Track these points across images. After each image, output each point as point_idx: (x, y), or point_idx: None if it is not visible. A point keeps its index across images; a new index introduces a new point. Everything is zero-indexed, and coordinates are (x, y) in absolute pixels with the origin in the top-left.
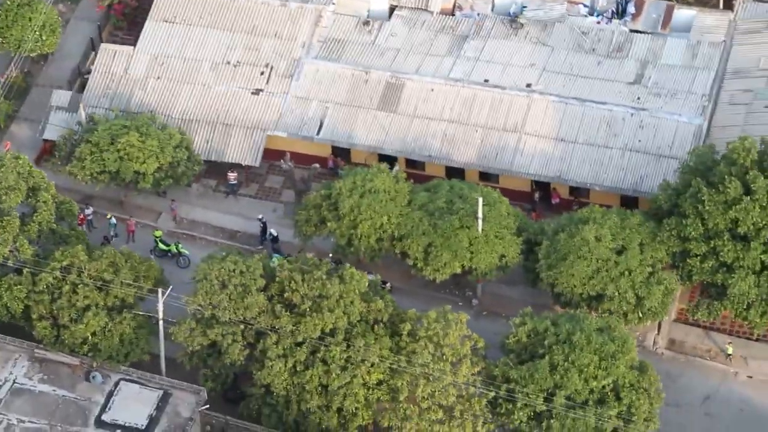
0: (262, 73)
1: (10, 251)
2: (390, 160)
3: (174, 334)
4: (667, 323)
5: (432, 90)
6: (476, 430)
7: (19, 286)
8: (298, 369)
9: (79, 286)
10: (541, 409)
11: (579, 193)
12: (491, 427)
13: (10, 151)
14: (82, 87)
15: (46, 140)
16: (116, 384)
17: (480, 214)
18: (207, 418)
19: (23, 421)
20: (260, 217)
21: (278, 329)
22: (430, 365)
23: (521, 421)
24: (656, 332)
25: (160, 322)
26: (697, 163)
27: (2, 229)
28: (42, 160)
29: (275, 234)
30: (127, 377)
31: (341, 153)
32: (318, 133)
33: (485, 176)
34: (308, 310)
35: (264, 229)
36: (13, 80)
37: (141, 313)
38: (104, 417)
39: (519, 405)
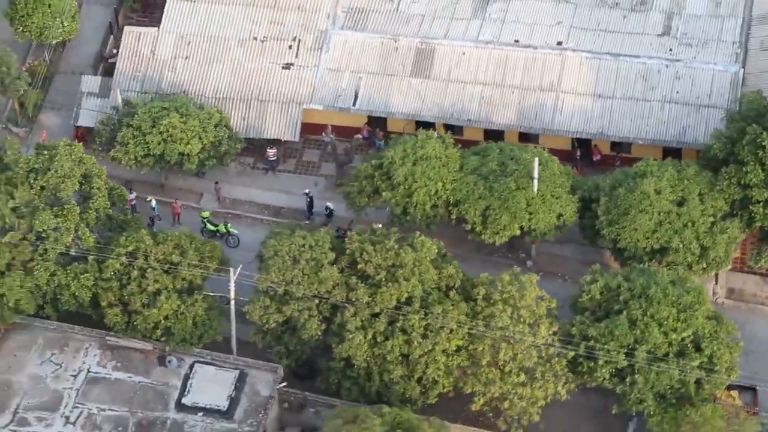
0: (290, 47)
1: (72, 240)
2: (426, 126)
3: (248, 313)
4: (724, 273)
5: (464, 53)
6: (557, 390)
7: (86, 275)
8: (378, 340)
9: (148, 270)
10: (622, 364)
11: (620, 148)
12: (572, 386)
13: (46, 140)
14: (106, 72)
15: (78, 127)
16: (191, 367)
17: (536, 174)
18: (285, 395)
19: (103, 410)
20: (307, 191)
21: (354, 301)
22: (510, 328)
23: (604, 378)
24: (714, 282)
25: (232, 302)
26: (747, 109)
27: (63, 217)
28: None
29: (331, 207)
30: (202, 359)
31: (376, 122)
32: (354, 103)
33: (525, 137)
34: (383, 280)
35: (311, 203)
36: (35, 68)
37: (212, 293)
38: (184, 400)
39: (601, 362)
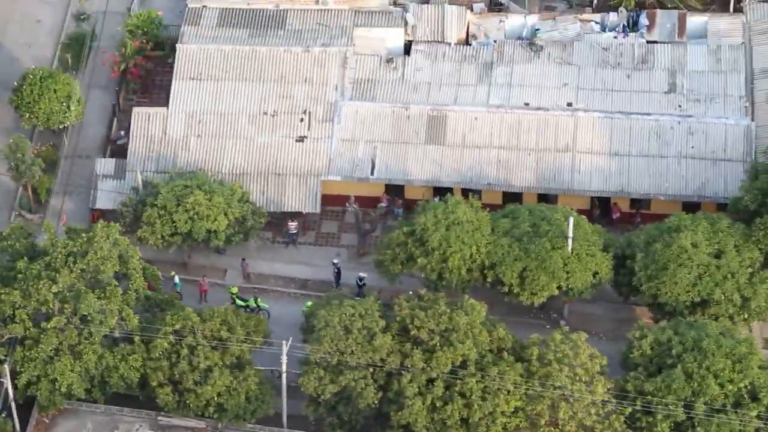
0: (301, 120)
1: (116, 321)
2: (444, 192)
3: (303, 385)
4: (758, 324)
5: (476, 119)
6: None
7: (134, 356)
8: (437, 405)
9: (198, 348)
10: (681, 418)
11: (640, 205)
12: None
13: (66, 224)
14: (113, 154)
15: (94, 210)
16: None
17: (570, 233)
18: None
19: None
20: (335, 261)
21: (409, 368)
22: (568, 386)
23: None
24: (748, 331)
25: (283, 375)
26: None
27: (107, 299)
28: None
29: (364, 276)
30: None
31: (394, 191)
32: (372, 173)
33: (543, 198)
34: (437, 345)
35: (338, 274)
36: (44, 154)
37: (263, 368)
38: None
39: (660, 417)
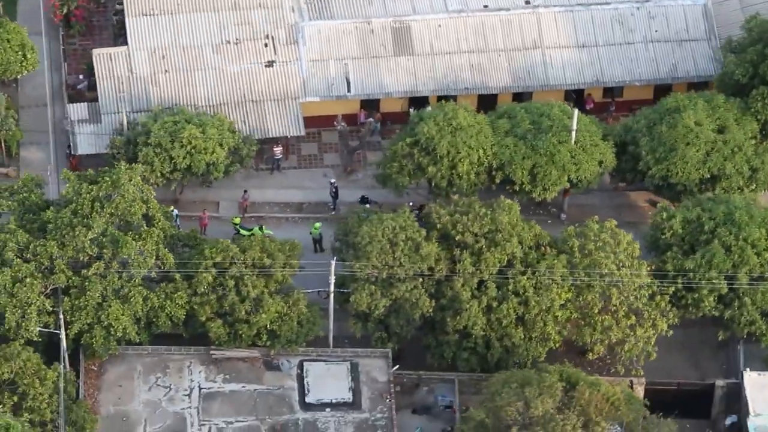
0: (266, 45)
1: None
2: (419, 102)
3: (355, 302)
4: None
5: (439, 26)
6: (663, 327)
7: (179, 293)
8: (492, 306)
9: (245, 277)
10: (724, 291)
11: (612, 94)
12: (676, 320)
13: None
14: (71, 99)
15: (72, 157)
16: (300, 367)
17: (575, 126)
18: (397, 378)
19: (231, 423)
20: (332, 181)
21: (459, 273)
22: (616, 273)
23: (711, 307)
24: None
25: (331, 296)
26: (760, 32)
27: (144, 241)
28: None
29: (367, 197)
30: (307, 358)
31: (369, 105)
32: (349, 90)
33: (517, 98)
34: (483, 247)
35: (336, 193)
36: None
37: (310, 290)
38: (308, 399)
39: (705, 291)
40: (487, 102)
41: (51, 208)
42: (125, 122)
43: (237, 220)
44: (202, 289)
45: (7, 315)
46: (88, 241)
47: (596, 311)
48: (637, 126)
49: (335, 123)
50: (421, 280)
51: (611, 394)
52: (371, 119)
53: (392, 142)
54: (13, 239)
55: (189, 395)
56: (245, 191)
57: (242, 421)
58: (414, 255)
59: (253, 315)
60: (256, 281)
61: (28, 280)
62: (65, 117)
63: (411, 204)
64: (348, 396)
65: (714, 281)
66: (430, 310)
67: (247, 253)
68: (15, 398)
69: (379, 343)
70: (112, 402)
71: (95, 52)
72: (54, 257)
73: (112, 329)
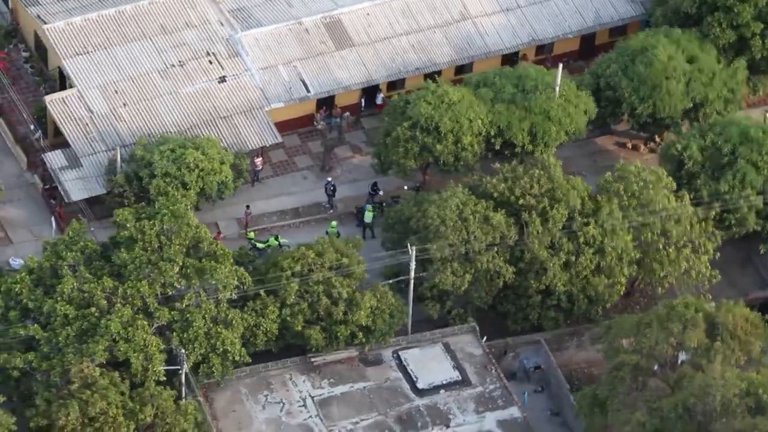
0: (210, 62)
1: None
2: (370, 92)
3: (440, 282)
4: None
5: (368, 14)
6: (710, 250)
7: (270, 307)
8: (569, 261)
9: (333, 279)
10: (759, 206)
11: (543, 51)
12: (719, 243)
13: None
14: (26, 151)
15: (59, 205)
16: (396, 356)
17: (558, 81)
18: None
19: (357, 423)
20: (329, 179)
21: (530, 235)
22: (670, 207)
23: (755, 223)
24: None
25: (411, 282)
26: None
27: (222, 264)
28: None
29: (377, 186)
30: (398, 347)
31: (323, 103)
32: (308, 90)
33: (460, 70)
34: (546, 206)
35: (334, 191)
36: None
37: (391, 281)
38: (420, 386)
39: (745, 209)
40: (432, 78)
41: (121, 250)
42: (118, 159)
43: (251, 235)
44: (291, 300)
45: (132, 361)
46: (176, 275)
47: (660, 246)
48: (607, 72)
49: (315, 123)
50: (495, 249)
51: (748, 315)
52: (347, 113)
53: (383, 130)
54: (98, 287)
55: (304, 405)
56: (247, 206)
57: (367, 419)
58: (485, 226)
59: (350, 314)
60: (343, 281)
61: (138, 322)
62: (26, 170)
63: (406, 188)
64: (456, 375)
65: (751, 198)
66: (513, 277)
67: (324, 257)
68: None
69: (457, 319)
70: (235, 427)
71: (48, 98)
72: (145, 297)
73: (228, 354)
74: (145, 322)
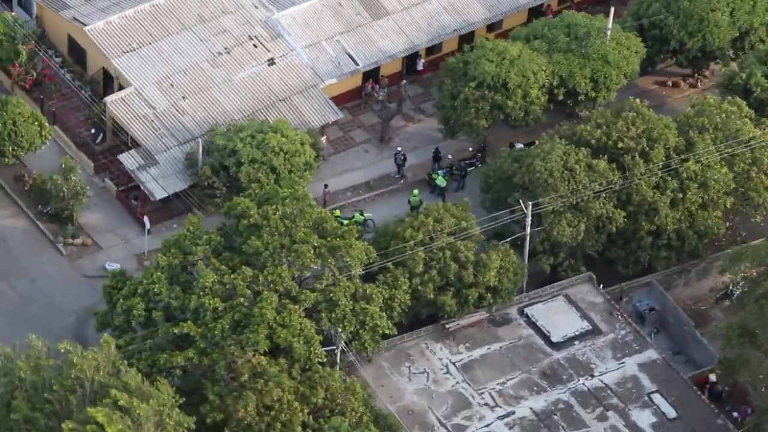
0: (255, 46)
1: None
2: (411, 60)
3: (558, 234)
4: None
5: None
6: None
7: (401, 279)
8: (675, 197)
9: (458, 244)
10: None
11: (564, 1)
12: None
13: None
14: (93, 156)
15: (141, 205)
16: (523, 314)
17: (610, 25)
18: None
19: (504, 383)
20: (399, 149)
21: (638, 177)
22: (759, 134)
23: None
24: None
25: (526, 239)
26: None
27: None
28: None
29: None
30: (521, 304)
31: (369, 75)
32: (357, 63)
33: (490, 28)
34: (644, 147)
35: (405, 161)
36: (37, 181)
37: (507, 239)
38: (554, 339)
39: None
40: (468, 39)
41: (252, 238)
42: (200, 152)
43: (338, 213)
44: (420, 269)
45: (294, 345)
46: (312, 256)
47: (753, 174)
48: (649, 11)
49: (375, 94)
50: (604, 196)
51: None
52: (404, 81)
53: (446, 93)
54: (239, 277)
55: (448, 372)
56: (326, 185)
57: (513, 378)
58: (591, 174)
59: (479, 276)
60: (468, 244)
61: (290, 307)
62: (93, 175)
63: (471, 149)
64: (586, 324)
65: None
66: (624, 220)
67: (443, 222)
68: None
69: (569, 270)
70: (388, 401)
71: (108, 99)
72: (286, 281)
73: (378, 329)
74: (295, 306)
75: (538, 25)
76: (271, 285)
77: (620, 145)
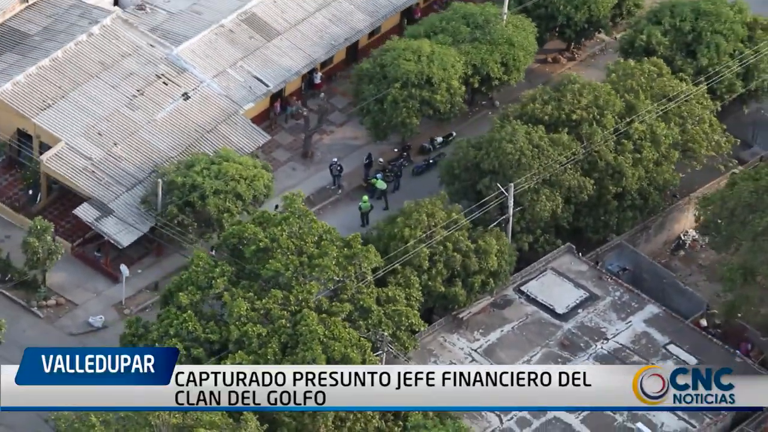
0: (165, 84)
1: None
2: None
3: (540, 210)
4: None
5: (274, 2)
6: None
7: (413, 277)
8: (634, 159)
9: (457, 234)
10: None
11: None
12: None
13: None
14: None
15: (105, 257)
16: (521, 292)
17: (506, 9)
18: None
19: (529, 360)
20: (335, 160)
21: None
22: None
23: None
24: None
25: (509, 221)
26: None
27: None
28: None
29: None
30: (514, 284)
31: (276, 97)
32: (266, 85)
33: (371, 34)
34: (595, 114)
35: (340, 171)
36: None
37: (500, 219)
38: (559, 311)
39: (731, 76)
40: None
41: (271, 261)
42: (160, 193)
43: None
44: (426, 265)
45: (352, 356)
46: (335, 268)
47: (690, 126)
48: None
49: (297, 110)
50: (568, 167)
51: None
52: (322, 93)
53: (367, 98)
54: (270, 300)
55: (473, 360)
56: (276, 206)
57: (535, 354)
58: (553, 147)
59: (483, 261)
60: (464, 234)
61: (333, 320)
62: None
63: (396, 150)
64: (582, 293)
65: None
66: (594, 187)
67: (435, 217)
68: None
69: (545, 245)
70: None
71: (43, 158)
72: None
73: (414, 327)
74: (336, 318)
75: (433, 20)
76: (302, 303)
77: (574, 116)
